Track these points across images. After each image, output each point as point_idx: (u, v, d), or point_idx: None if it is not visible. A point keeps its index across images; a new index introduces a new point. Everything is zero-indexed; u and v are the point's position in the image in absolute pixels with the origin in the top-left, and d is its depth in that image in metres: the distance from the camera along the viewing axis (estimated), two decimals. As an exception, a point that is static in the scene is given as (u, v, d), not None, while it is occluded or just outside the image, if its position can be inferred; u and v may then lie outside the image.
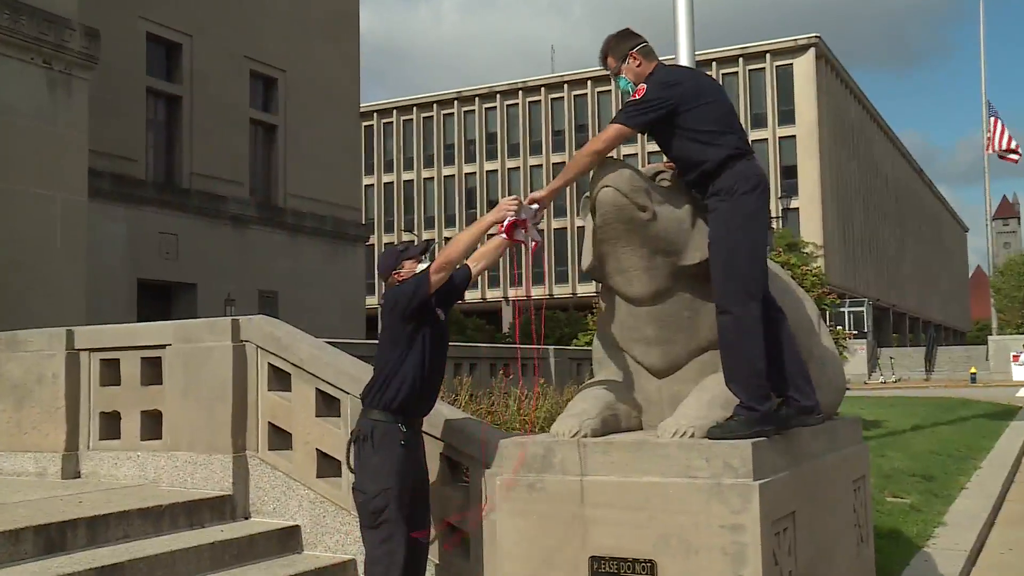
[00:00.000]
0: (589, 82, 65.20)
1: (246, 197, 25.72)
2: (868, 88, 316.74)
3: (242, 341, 6.26)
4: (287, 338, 6.11)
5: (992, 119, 48.10)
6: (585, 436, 4.51)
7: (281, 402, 6.11)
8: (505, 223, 4.79)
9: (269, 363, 6.16)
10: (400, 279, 4.94)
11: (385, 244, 67.54)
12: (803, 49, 62.17)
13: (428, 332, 4.88)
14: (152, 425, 6.75)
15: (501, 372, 12.45)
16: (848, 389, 8.89)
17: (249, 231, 25.55)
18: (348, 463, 4.94)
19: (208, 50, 24.32)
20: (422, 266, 4.93)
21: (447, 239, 68.54)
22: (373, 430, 4.76)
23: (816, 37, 62.42)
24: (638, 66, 4.78)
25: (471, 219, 68.08)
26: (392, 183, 71.30)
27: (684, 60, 10.79)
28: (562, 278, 64.74)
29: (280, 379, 6.16)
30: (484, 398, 10.54)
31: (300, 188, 27.33)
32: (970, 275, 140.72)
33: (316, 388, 5.91)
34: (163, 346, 6.63)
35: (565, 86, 66.34)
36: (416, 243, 5.21)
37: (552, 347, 15.22)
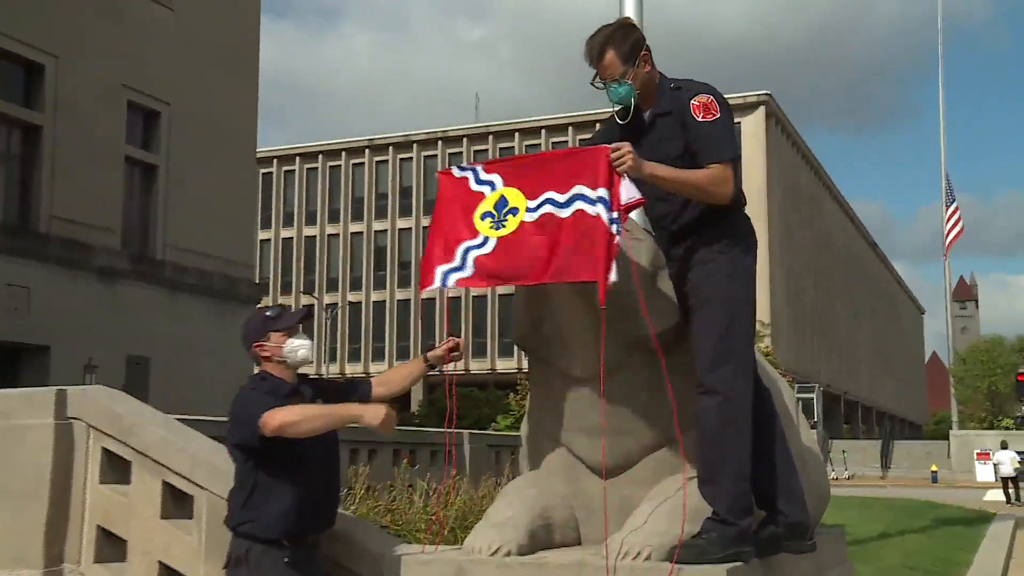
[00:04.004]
0: (517, 134, 65.54)
1: (117, 247, 24.76)
2: (823, 150, 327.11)
3: (70, 419, 5.46)
4: (131, 416, 5.35)
5: (952, 210, 49.74)
6: (509, 554, 4.02)
7: (117, 499, 5.31)
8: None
9: (104, 448, 5.38)
10: (265, 355, 4.35)
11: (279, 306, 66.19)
12: (752, 107, 63.53)
13: (297, 447, 4.18)
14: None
15: (405, 460, 11.71)
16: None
17: (119, 286, 24.52)
18: None
19: (77, 75, 23.48)
20: (295, 341, 4.34)
21: (351, 304, 67.59)
22: (248, 551, 4.18)
23: (766, 95, 63.92)
24: (648, 71, 4.22)
25: (379, 282, 67.37)
26: (292, 239, 70.27)
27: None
28: (480, 351, 64.15)
29: (118, 468, 5.37)
30: (384, 492, 9.82)
31: (183, 239, 26.44)
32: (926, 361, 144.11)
33: (164, 481, 5.14)
34: (-37, 422, 5.76)
35: (490, 137, 66.60)
36: (291, 309, 4.54)
37: (467, 431, 14.53)
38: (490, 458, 14.09)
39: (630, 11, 10.89)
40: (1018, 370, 51.84)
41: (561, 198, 3.96)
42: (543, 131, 64.28)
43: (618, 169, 3.86)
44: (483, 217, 4.12)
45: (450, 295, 67.27)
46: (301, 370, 4.44)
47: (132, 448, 5.21)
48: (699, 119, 4.05)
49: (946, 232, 49.12)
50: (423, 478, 10.55)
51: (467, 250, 4.09)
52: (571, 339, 4.23)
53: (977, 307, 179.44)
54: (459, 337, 4.51)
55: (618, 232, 3.84)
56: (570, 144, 58.85)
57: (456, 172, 4.30)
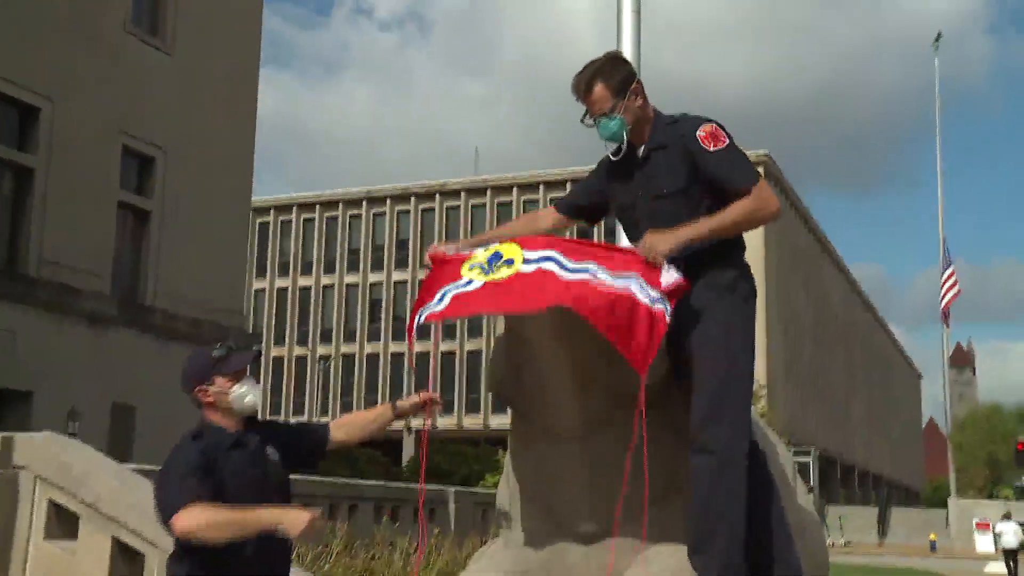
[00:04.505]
0: (515, 188, 65.51)
1: (107, 292, 24.36)
2: (822, 212, 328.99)
3: (15, 468, 5.09)
4: (83, 466, 5.00)
5: (948, 272, 50.41)
6: (480, 628, 3.60)
7: (62, 556, 4.93)
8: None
9: (51, 500, 5.01)
10: (207, 400, 3.88)
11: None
12: (751, 168, 63.48)
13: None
14: None
15: (386, 516, 11.30)
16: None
17: (107, 332, 24.10)
18: None
19: (72, 118, 23.27)
20: (242, 388, 3.88)
21: (345, 356, 67.06)
22: None
23: (766, 155, 63.99)
24: (640, 105, 3.99)
25: (374, 335, 66.90)
26: (287, 288, 69.93)
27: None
28: (473, 407, 63.61)
29: (65, 522, 5.01)
30: (363, 549, 9.43)
31: (174, 286, 26.07)
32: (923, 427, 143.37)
33: (113, 536, 4.77)
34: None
35: (488, 191, 66.53)
36: (237, 349, 4.12)
37: (453, 488, 14.11)
38: (476, 516, 13.67)
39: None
40: (1018, 438, 51.43)
41: (568, 263, 3.65)
42: (541, 186, 64.29)
43: (656, 262, 3.67)
44: (471, 267, 3.81)
45: (443, 350, 66.75)
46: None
47: (81, 501, 4.84)
48: (710, 149, 3.83)
49: (943, 293, 49.34)
50: (405, 536, 10.18)
51: (447, 290, 3.76)
52: (552, 391, 3.91)
53: (974, 373, 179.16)
54: (436, 392, 4.14)
55: (666, 312, 3.59)
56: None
57: (449, 250, 4.04)
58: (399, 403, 4.14)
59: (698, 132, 3.86)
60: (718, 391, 3.68)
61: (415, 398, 4.12)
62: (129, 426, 23.84)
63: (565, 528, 4.16)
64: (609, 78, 3.94)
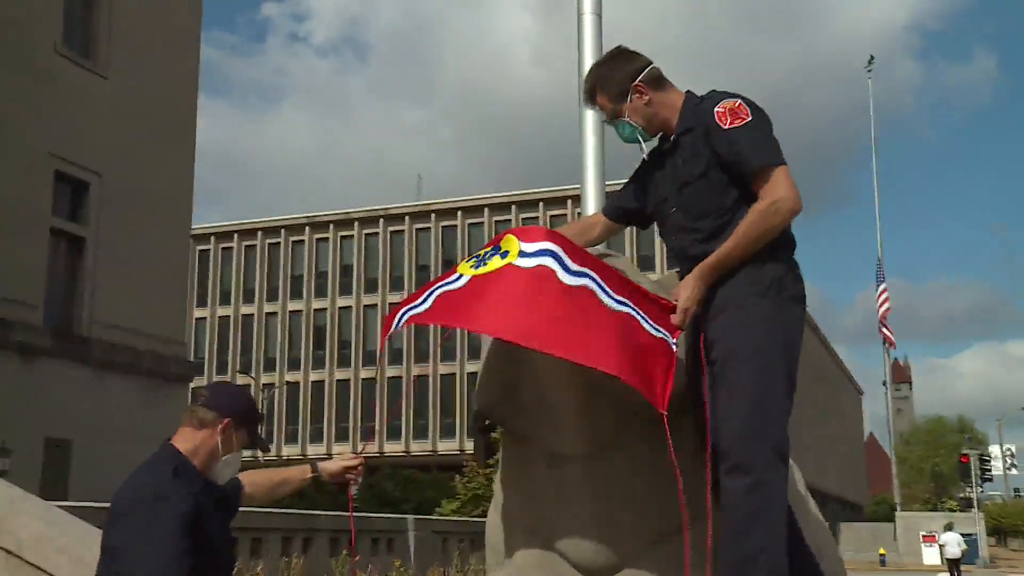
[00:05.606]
0: (459, 212, 65.06)
1: (39, 323, 23.45)
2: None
3: (-76, 510, 4.44)
4: (4, 507, 4.34)
5: (881, 289, 52.37)
6: None
7: (-20, 612, 4.28)
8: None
9: (-33, 547, 4.35)
10: (220, 435, 3.40)
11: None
12: (693, 189, 63.85)
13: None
14: None
15: (344, 551, 10.66)
16: None
17: (40, 364, 23.19)
18: None
19: (2, 142, 22.39)
20: (236, 457, 3.49)
21: (289, 384, 65.96)
22: None
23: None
24: (647, 103, 3.55)
25: (318, 362, 65.88)
26: (228, 317, 68.69)
27: (591, 193, 9.86)
28: (421, 433, 62.79)
29: (-16, 572, 4.35)
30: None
31: (111, 315, 25.22)
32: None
33: (41, 588, 4.13)
34: None
35: (432, 215, 66.02)
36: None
37: (412, 516, 13.48)
38: (437, 545, 13.05)
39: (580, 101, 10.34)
40: (961, 452, 51.98)
41: (569, 263, 3.19)
42: (486, 209, 63.93)
43: (681, 321, 3.30)
44: (468, 260, 3.39)
45: (389, 375, 66.03)
46: None
47: (3, 548, 4.20)
48: (726, 126, 3.34)
49: (879, 308, 50.88)
50: (364, 570, 9.58)
51: (435, 288, 3.31)
52: (555, 408, 3.38)
53: (911, 389, 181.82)
54: (360, 457, 3.81)
55: (671, 344, 3.21)
56: (512, 222, 58.60)
57: None
58: (321, 466, 3.83)
59: (716, 108, 3.40)
60: (756, 404, 3.19)
61: (341, 462, 3.81)
62: (64, 462, 22.96)
63: (568, 561, 3.63)
64: (605, 85, 3.62)
